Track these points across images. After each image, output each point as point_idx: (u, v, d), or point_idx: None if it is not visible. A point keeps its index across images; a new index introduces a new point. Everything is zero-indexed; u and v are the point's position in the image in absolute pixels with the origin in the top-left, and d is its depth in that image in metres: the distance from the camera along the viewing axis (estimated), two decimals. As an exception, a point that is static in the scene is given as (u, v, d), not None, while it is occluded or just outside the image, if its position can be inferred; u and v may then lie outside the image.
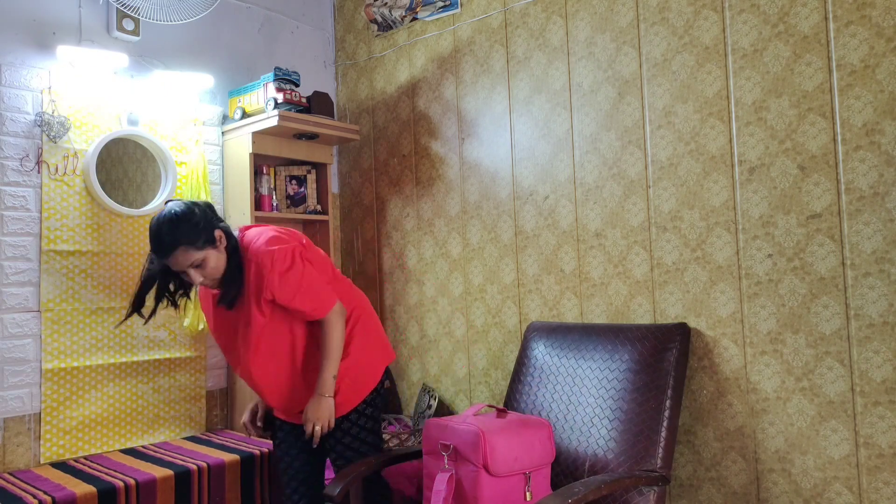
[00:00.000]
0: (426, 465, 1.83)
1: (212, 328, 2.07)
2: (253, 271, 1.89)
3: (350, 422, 2.02)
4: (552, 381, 2.23)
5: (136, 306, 1.95)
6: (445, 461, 1.75)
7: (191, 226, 1.83)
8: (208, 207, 1.94)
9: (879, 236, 1.86)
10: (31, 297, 2.34)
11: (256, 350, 1.93)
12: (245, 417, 2.15)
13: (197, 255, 1.83)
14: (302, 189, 3.02)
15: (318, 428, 1.92)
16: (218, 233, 1.88)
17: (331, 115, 2.93)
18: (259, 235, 1.94)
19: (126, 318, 2.01)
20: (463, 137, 2.87)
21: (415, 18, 3.05)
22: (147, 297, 1.95)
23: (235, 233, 1.97)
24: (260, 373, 1.96)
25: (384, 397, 2.08)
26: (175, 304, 2.01)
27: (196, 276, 1.86)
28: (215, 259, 1.87)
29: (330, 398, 1.92)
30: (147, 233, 2.61)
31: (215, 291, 1.96)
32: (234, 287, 1.91)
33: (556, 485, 2.02)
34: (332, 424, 1.94)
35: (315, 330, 1.97)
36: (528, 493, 1.75)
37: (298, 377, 1.99)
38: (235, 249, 1.92)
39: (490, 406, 1.98)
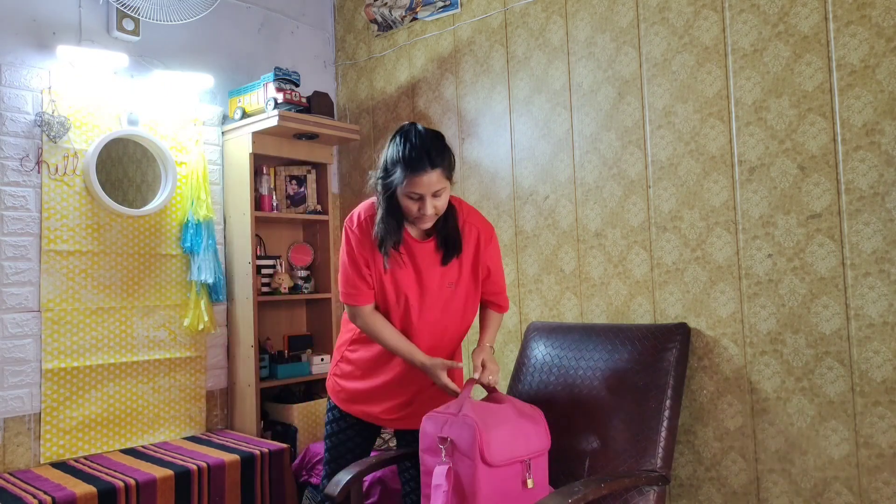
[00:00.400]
0: (423, 463, 1.80)
1: (390, 293, 1.87)
2: (472, 236, 1.87)
3: None
4: (552, 381, 2.23)
5: (396, 241, 1.82)
6: (443, 455, 1.71)
7: (449, 152, 1.76)
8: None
9: (879, 236, 1.86)
10: (31, 297, 2.34)
11: (449, 310, 1.90)
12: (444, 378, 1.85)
13: (444, 184, 1.73)
14: (302, 189, 3.02)
15: (496, 377, 1.83)
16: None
17: (331, 115, 2.93)
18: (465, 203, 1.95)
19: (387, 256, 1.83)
20: (463, 137, 2.87)
21: (415, 18, 3.05)
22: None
23: None
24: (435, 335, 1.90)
25: None
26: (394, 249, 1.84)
27: (430, 204, 1.72)
28: (447, 194, 1.77)
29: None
30: (148, 232, 2.63)
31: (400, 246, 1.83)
32: (456, 240, 1.84)
33: (556, 484, 2.02)
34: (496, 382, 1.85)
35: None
36: (529, 480, 1.72)
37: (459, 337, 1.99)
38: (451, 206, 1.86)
39: (476, 381, 1.86)
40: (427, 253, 1.87)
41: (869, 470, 1.87)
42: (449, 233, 1.85)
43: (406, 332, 1.90)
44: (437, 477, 1.68)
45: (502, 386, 2.68)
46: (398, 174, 1.74)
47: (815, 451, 1.96)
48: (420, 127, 1.78)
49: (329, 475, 2.03)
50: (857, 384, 1.90)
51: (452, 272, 1.88)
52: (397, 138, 1.79)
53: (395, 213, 1.80)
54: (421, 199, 1.73)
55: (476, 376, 1.81)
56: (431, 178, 1.71)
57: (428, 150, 1.71)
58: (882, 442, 1.85)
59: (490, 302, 2.01)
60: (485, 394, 1.92)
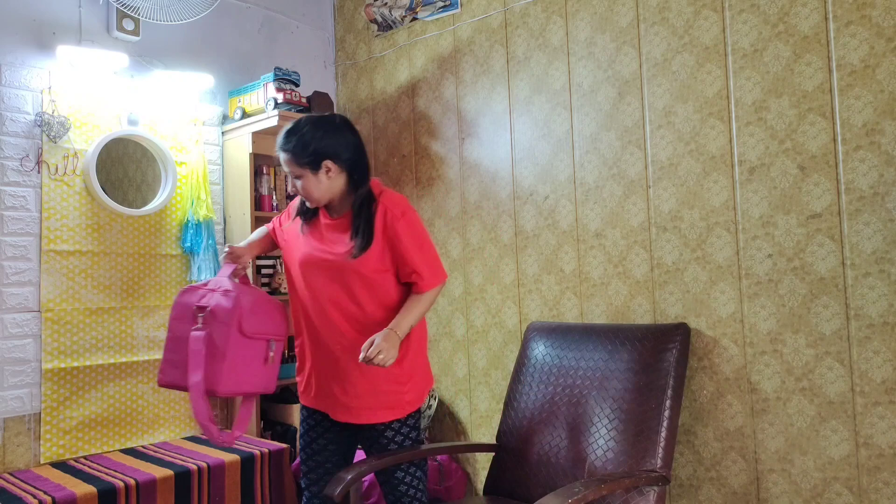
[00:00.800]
0: (172, 330, 1.91)
1: (291, 265, 1.99)
2: (379, 217, 1.89)
3: (393, 430, 1.96)
4: (552, 382, 2.23)
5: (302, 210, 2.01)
6: (200, 322, 1.87)
7: (302, 142, 1.86)
8: (349, 139, 1.91)
9: (879, 236, 1.86)
10: (31, 297, 2.34)
11: (339, 301, 1.89)
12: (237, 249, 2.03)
13: (295, 169, 1.88)
14: (302, 189, 3.01)
15: (380, 357, 1.78)
16: (329, 164, 1.87)
17: (331, 115, 2.93)
18: (388, 189, 1.98)
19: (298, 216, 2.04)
20: (463, 137, 2.87)
21: (415, 18, 3.05)
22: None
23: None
24: (334, 329, 1.91)
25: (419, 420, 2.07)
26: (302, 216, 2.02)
27: (291, 184, 1.93)
28: (311, 183, 1.88)
29: (400, 339, 1.84)
30: (148, 232, 2.63)
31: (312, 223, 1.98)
32: (365, 232, 1.87)
33: (555, 484, 2.02)
34: (389, 364, 1.80)
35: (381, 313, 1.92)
36: (271, 357, 1.96)
37: (354, 364, 1.90)
38: (364, 197, 1.91)
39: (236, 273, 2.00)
40: (332, 230, 1.95)
41: (869, 470, 1.87)
42: (361, 224, 1.90)
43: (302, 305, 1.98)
44: (195, 342, 1.84)
45: (502, 386, 2.69)
46: None
47: (815, 451, 1.96)
48: (312, 116, 1.92)
49: (305, 474, 2.03)
50: (857, 384, 1.90)
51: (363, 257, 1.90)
52: None
53: None
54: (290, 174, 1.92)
55: (362, 356, 1.81)
56: (283, 159, 1.90)
57: (286, 132, 1.89)
58: (882, 442, 1.85)
59: (409, 282, 1.94)
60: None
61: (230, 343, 1.86)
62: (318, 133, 1.87)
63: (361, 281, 1.89)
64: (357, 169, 1.91)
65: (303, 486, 2.05)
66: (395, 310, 1.92)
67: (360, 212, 1.90)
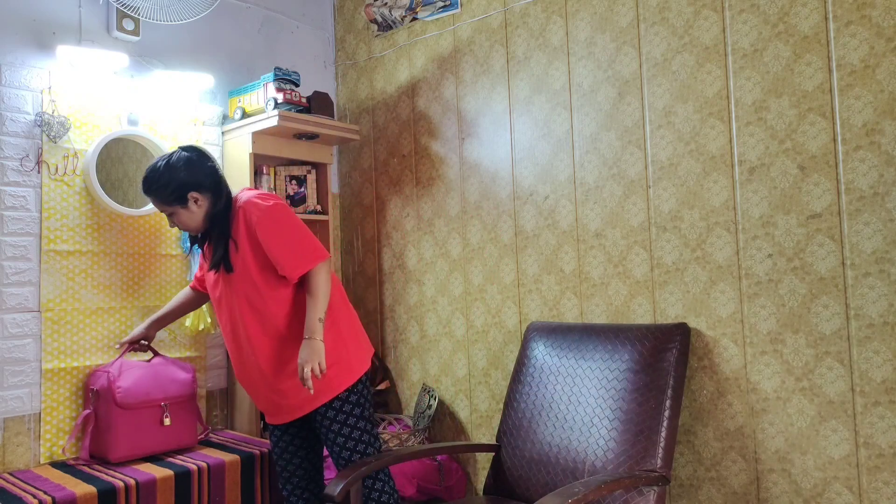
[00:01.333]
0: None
1: (210, 293, 2.14)
2: (241, 223, 1.99)
3: (335, 409, 2.00)
4: (552, 382, 2.23)
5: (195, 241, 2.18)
6: (91, 402, 2.30)
7: (162, 184, 1.98)
8: (202, 167, 2.01)
9: (879, 236, 1.86)
10: (31, 297, 2.34)
11: (243, 313, 2.00)
12: (127, 337, 2.34)
13: (165, 209, 2.02)
14: (302, 189, 3.02)
15: (308, 369, 1.86)
16: (195, 195, 1.99)
17: (331, 115, 2.93)
18: (249, 191, 2.09)
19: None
20: (463, 137, 2.87)
21: (415, 18, 3.05)
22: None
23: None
24: (250, 349, 2.01)
25: (369, 389, 2.10)
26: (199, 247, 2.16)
27: (170, 222, 2.06)
28: (185, 216, 2.01)
29: (319, 341, 1.89)
30: (148, 232, 2.63)
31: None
32: (219, 245, 2.01)
33: (555, 485, 2.03)
34: (324, 367, 1.89)
35: (300, 311, 1.99)
36: (166, 419, 2.31)
37: (276, 368, 1.99)
38: (225, 210, 2.03)
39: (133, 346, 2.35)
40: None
41: (869, 470, 1.87)
42: (213, 239, 2.05)
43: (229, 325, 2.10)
44: (79, 419, 2.29)
45: (502, 386, 2.69)
46: None
47: (815, 451, 1.96)
48: (169, 156, 2.02)
49: (283, 485, 2.17)
50: (857, 384, 1.90)
51: (238, 264, 2.00)
52: None
53: None
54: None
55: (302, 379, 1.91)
56: (152, 201, 2.04)
57: (144, 178, 2.02)
58: (882, 442, 1.85)
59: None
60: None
61: (113, 417, 2.21)
62: (174, 172, 1.99)
63: (251, 288, 1.99)
64: (217, 191, 2.03)
65: (284, 495, 2.17)
66: (294, 303, 2.00)
67: (212, 226, 2.03)
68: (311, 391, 1.88)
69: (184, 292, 2.37)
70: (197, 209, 2.01)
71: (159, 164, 2.01)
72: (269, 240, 1.95)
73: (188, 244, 2.70)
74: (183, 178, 1.98)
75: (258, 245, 1.96)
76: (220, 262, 2.00)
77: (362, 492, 2.01)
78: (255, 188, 2.12)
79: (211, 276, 2.09)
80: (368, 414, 2.06)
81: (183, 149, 2.04)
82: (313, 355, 1.88)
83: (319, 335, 1.90)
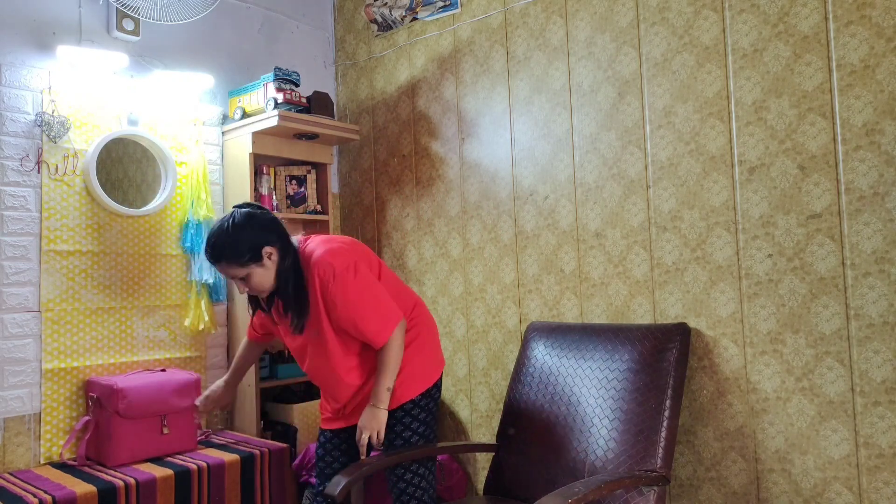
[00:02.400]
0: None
1: (288, 343, 2.09)
2: (316, 284, 1.92)
3: (403, 412, 2.02)
4: (552, 381, 2.23)
5: (254, 306, 2.09)
6: (90, 409, 2.31)
7: (236, 244, 1.87)
8: (265, 220, 1.93)
9: (879, 236, 1.86)
10: (31, 297, 2.34)
11: (330, 358, 1.98)
12: (201, 399, 2.30)
13: (239, 272, 1.88)
14: (302, 189, 3.02)
15: (368, 436, 1.92)
16: (268, 250, 1.89)
17: (331, 115, 2.93)
18: (319, 244, 1.98)
19: (253, 314, 2.15)
20: (463, 137, 2.87)
21: (415, 18, 3.05)
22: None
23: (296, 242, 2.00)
24: (337, 378, 2.01)
25: (437, 400, 2.12)
26: (263, 308, 2.07)
27: (240, 286, 1.93)
28: (259, 275, 1.90)
29: (384, 410, 1.93)
30: (148, 232, 2.63)
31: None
32: (297, 307, 1.93)
33: (555, 485, 2.02)
34: (382, 437, 1.94)
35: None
36: (164, 429, 2.32)
37: (357, 380, 2.02)
38: (296, 266, 1.94)
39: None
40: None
41: (869, 470, 1.87)
42: (287, 300, 1.94)
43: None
44: (77, 424, 2.33)
45: (502, 386, 2.69)
46: None
47: (815, 451, 1.96)
48: (231, 217, 1.90)
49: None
50: (857, 384, 1.90)
51: (314, 324, 1.96)
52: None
53: None
54: (234, 278, 1.93)
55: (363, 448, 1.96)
56: (224, 270, 1.91)
57: (212, 245, 1.88)
58: (882, 442, 1.85)
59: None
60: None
61: (113, 425, 2.23)
62: (243, 230, 1.89)
63: (327, 341, 1.96)
64: (285, 243, 1.95)
65: (319, 489, 2.13)
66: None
67: (285, 286, 1.93)
68: (363, 457, 1.95)
69: (245, 345, 2.30)
70: (271, 265, 1.91)
71: (225, 226, 1.89)
72: (345, 312, 1.91)
73: (188, 244, 2.70)
74: (254, 235, 1.88)
75: (333, 308, 1.92)
76: (302, 326, 1.95)
77: (397, 484, 2.02)
78: (322, 236, 2.07)
79: (282, 328, 2.05)
80: (433, 422, 2.09)
81: (238, 207, 1.96)
82: (374, 423, 1.91)
83: (385, 405, 1.93)
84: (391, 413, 1.99)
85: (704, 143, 2.18)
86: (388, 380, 1.93)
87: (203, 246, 1.99)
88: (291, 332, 1.97)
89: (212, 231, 1.90)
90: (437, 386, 2.10)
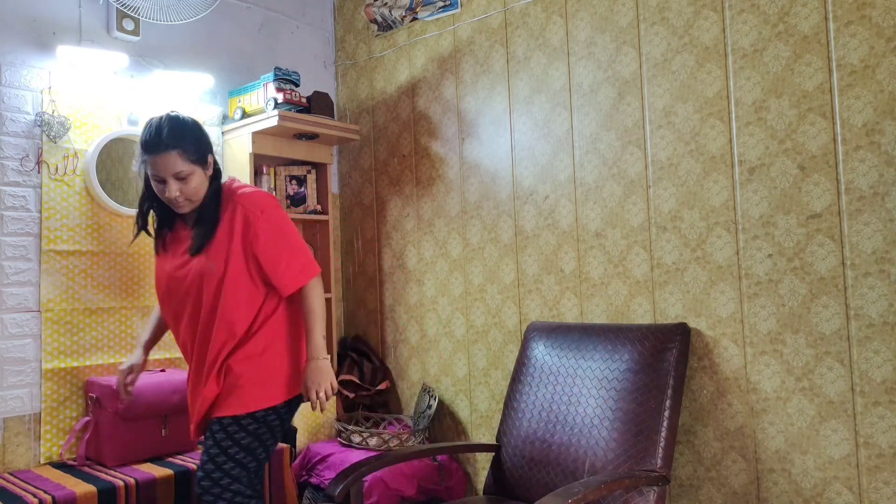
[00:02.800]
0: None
1: (164, 276, 1.90)
2: (238, 216, 1.80)
3: (239, 426, 1.79)
4: (552, 381, 2.23)
5: (141, 226, 1.93)
6: (90, 409, 2.29)
7: (193, 136, 1.78)
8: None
9: (879, 236, 1.86)
10: (31, 297, 2.34)
11: (217, 296, 1.79)
12: (119, 377, 2.01)
13: (184, 168, 1.75)
14: (302, 189, 3.02)
15: (321, 394, 1.75)
16: (211, 158, 1.84)
17: (331, 115, 2.93)
18: (244, 186, 1.91)
19: (135, 238, 1.97)
20: (463, 137, 2.87)
21: (415, 18, 3.05)
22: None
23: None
24: (195, 337, 1.84)
25: (281, 425, 1.86)
26: (148, 232, 1.94)
27: (174, 187, 1.76)
28: (198, 180, 1.79)
29: (326, 360, 1.78)
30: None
31: (168, 238, 1.91)
32: (207, 226, 1.80)
33: (555, 485, 2.03)
34: (335, 387, 1.78)
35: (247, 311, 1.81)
36: (164, 431, 2.31)
37: (238, 329, 1.80)
38: (218, 187, 1.85)
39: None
40: (185, 240, 1.87)
41: (869, 470, 1.87)
42: (200, 217, 1.82)
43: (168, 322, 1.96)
44: (78, 425, 2.31)
45: (502, 386, 2.69)
46: (142, 157, 1.79)
47: (815, 451, 1.96)
48: (170, 113, 1.80)
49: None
50: (857, 384, 1.90)
51: (214, 256, 1.79)
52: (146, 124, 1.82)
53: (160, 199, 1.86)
54: (164, 181, 1.77)
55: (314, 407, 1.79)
56: (167, 161, 1.74)
57: (160, 132, 1.74)
58: (882, 442, 1.85)
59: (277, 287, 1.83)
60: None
61: (112, 426, 2.21)
62: (198, 130, 1.81)
63: (217, 283, 1.78)
64: (217, 165, 1.87)
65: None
66: (260, 310, 1.83)
67: (209, 201, 1.81)
68: (323, 412, 1.78)
69: (157, 312, 2.10)
70: (206, 175, 1.80)
71: (182, 117, 1.78)
72: (267, 247, 1.79)
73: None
74: (205, 137, 1.79)
75: (249, 246, 1.80)
76: (202, 246, 1.79)
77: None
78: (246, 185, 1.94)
79: (164, 262, 1.89)
80: (265, 450, 1.85)
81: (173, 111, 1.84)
82: (321, 377, 1.76)
83: (326, 354, 1.79)
84: (232, 418, 1.78)
85: (704, 143, 2.18)
86: (321, 328, 1.79)
87: (145, 135, 1.75)
88: (183, 254, 1.82)
89: (162, 118, 1.77)
90: (277, 410, 1.82)
